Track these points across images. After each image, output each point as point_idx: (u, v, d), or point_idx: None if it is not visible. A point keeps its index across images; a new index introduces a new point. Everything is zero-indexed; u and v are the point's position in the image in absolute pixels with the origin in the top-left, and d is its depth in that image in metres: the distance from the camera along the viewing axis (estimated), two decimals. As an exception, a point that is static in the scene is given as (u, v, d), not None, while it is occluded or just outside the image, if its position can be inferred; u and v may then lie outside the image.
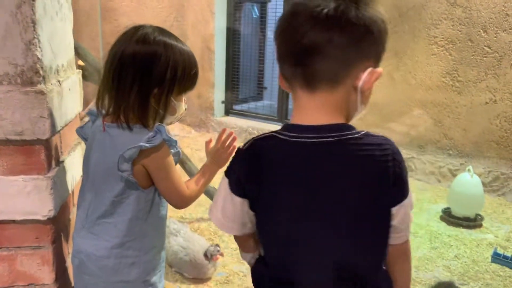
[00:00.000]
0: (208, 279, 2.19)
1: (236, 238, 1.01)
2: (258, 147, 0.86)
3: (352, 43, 0.78)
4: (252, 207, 0.89)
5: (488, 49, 3.39)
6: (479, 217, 3.03)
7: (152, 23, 1.23)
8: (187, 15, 4.93)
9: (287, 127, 0.84)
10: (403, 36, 3.71)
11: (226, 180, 0.91)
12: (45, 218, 1.17)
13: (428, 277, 2.33)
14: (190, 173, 2.74)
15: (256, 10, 5.61)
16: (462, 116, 3.58)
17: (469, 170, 3.02)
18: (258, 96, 5.80)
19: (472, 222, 2.97)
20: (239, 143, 3.83)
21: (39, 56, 1.09)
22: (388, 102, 3.83)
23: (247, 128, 4.80)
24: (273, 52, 4.28)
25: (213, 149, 1.30)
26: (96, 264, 1.18)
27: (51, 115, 1.13)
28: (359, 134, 0.81)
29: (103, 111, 1.17)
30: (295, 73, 0.82)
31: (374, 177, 0.81)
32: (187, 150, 4.35)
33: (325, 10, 0.76)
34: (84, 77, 2.65)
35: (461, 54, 3.49)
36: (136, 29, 1.17)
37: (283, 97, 4.80)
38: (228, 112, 5.20)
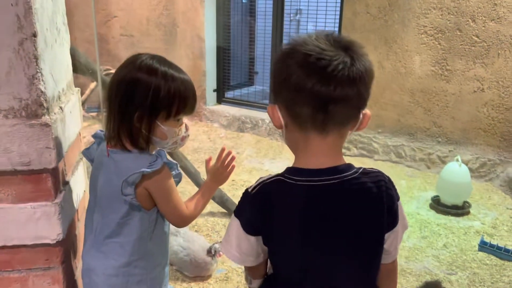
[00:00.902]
0: (209, 276, 2.28)
1: (250, 268, 1.05)
2: (266, 190, 0.92)
3: (368, 93, 0.87)
4: (265, 243, 0.95)
5: (476, 38, 3.44)
6: (467, 204, 3.14)
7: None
8: (176, 3, 4.88)
9: (293, 172, 0.91)
10: (393, 25, 3.74)
11: (237, 221, 0.95)
12: (54, 242, 1.22)
13: (418, 267, 2.43)
14: (186, 171, 2.79)
15: (246, -5, 5.56)
16: (450, 104, 3.65)
17: (457, 160, 3.11)
18: (250, 82, 5.82)
19: (460, 210, 3.07)
20: (231, 133, 3.82)
21: (43, 89, 1.12)
22: (378, 91, 3.88)
23: (240, 116, 4.84)
24: (264, 36, 4.21)
25: (213, 168, 1.35)
26: (106, 282, 1.24)
27: (56, 145, 1.17)
28: (357, 174, 0.90)
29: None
30: (314, 118, 0.86)
31: (371, 212, 0.92)
32: (181, 140, 4.39)
33: (353, 68, 0.83)
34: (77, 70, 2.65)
35: (450, 43, 3.54)
36: (132, 56, 1.19)
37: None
38: (220, 100, 5.22)
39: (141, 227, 1.22)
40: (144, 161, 1.16)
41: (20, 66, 1.08)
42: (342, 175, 0.89)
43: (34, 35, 1.08)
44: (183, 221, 1.28)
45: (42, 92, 1.12)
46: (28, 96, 1.11)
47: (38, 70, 1.10)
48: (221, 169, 1.34)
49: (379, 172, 0.93)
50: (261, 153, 4.24)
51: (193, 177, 2.82)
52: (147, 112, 1.15)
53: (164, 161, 1.18)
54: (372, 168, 0.93)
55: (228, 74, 5.23)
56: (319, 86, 0.83)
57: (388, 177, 0.95)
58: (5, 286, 1.24)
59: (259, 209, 0.92)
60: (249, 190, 0.94)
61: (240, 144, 4.46)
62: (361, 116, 0.89)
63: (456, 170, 3.08)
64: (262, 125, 4.68)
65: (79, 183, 1.45)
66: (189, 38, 4.94)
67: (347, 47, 0.85)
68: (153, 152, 1.21)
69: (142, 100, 1.13)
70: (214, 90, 5.17)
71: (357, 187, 0.89)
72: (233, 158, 1.34)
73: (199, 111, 5.12)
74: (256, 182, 0.94)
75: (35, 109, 1.12)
